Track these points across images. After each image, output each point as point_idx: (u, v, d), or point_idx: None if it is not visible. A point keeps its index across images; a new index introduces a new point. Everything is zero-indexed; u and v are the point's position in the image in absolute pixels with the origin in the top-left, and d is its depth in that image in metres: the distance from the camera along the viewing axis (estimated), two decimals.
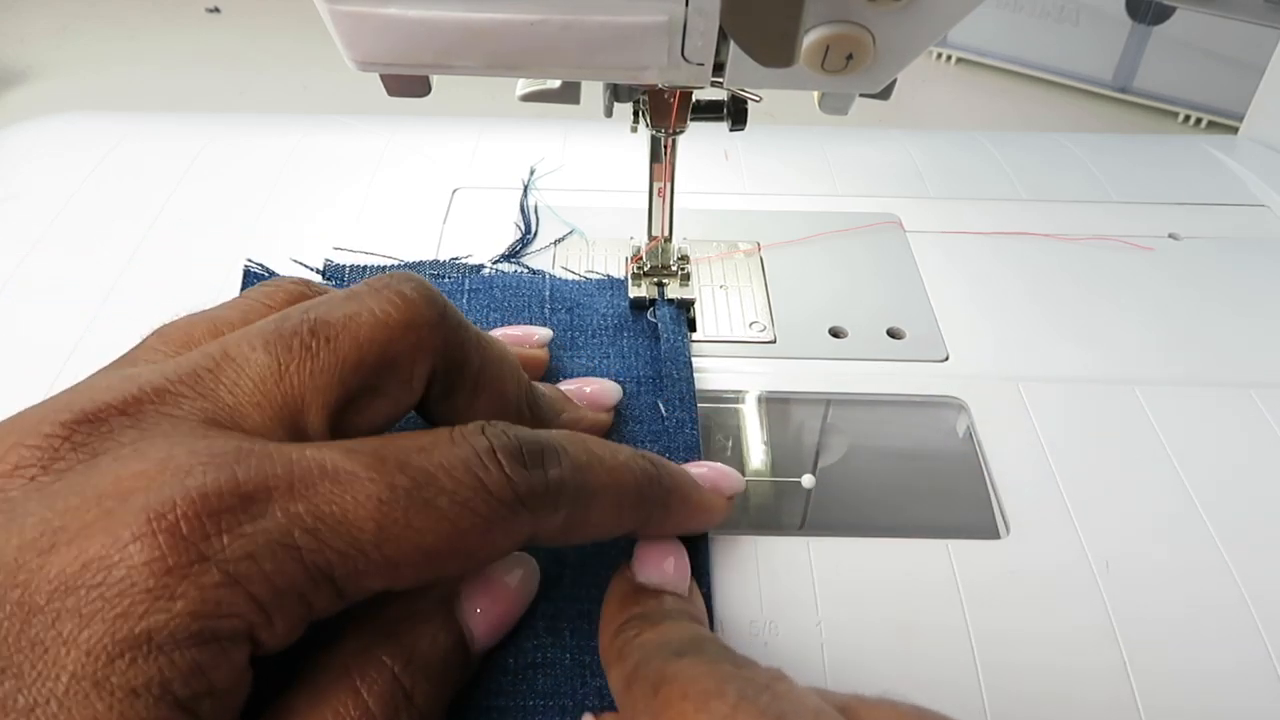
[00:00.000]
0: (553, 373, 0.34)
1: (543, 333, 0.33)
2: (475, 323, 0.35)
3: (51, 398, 0.20)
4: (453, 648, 0.23)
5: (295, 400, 0.21)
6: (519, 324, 0.35)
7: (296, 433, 0.21)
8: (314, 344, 0.21)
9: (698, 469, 0.28)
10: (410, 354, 0.22)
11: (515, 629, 0.25)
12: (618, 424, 0.32)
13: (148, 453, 0.18)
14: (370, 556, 0.19)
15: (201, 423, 0.20)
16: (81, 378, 0.22)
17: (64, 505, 0.18)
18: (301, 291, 0.25)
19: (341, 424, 0.22)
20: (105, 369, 0.23)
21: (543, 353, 0.33)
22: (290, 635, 0.18)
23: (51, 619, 0.16)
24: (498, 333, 0.33)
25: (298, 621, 0.18)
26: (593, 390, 0.31)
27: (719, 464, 0.28)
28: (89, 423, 0.19)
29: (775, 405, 0.35)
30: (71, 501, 0.18)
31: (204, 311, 0.24)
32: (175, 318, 0.24)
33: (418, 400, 0.24)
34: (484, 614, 0.24)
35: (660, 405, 0.32)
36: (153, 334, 0.24)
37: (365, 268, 0.39)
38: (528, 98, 0.31)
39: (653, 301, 0.37)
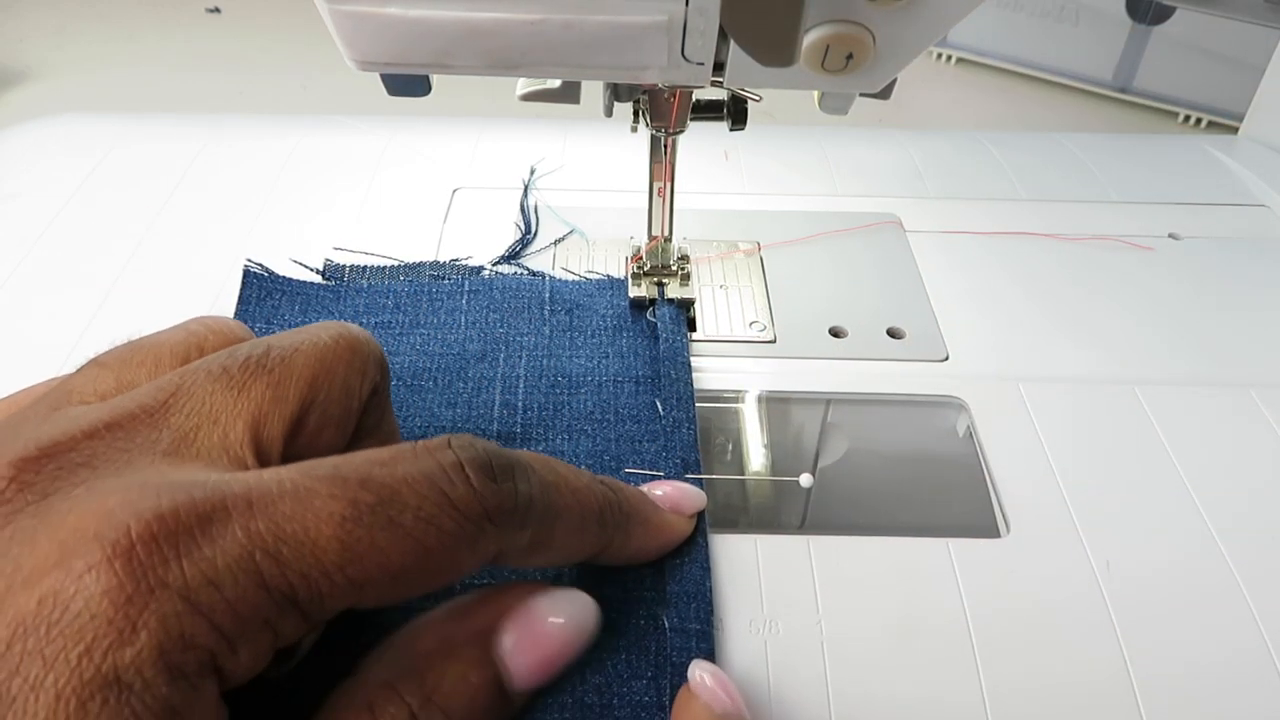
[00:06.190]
0: (552, 373, 0.34)
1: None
2: (474, 324, 0.36)
3: None
4: (483, 688, 0.21)
5: (253, 415, 0.20)
6: (524, 329, 0.36)
7: (256, 447, 0.20)
8: (268, 362, 0.21)
9: (658, 489, 0.28)
10: (358, 377, 0.23)
11: None
12: (615, 423, 0.32)
13: (100, 489, 0.18)
14: (334, 579, 0.18)
15: (158, 456, 0.19)
16: None
17: (16, 550, 0.17)
18: (230, 324, 0.25)
19: (292, 451, 0.21)
20: (43, 397, 0.22)
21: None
22: (256, 665, 0.18)
23: (15, 664, 0.15)
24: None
25: (264, 650, 0.18)
26: None
27: (680, 483, 0.29)
28: (37, 461, 0.18)
29: (775, 405, 0.35)
30: (24, 545, 0.17)
31: (143, 337, 0.24)
32: (113, 345, 0.23)
33: (354, 427, 0.24)
34: (523, 653, 0.22)
35: (658, 404, 0.32)
36: (89, 363, 0.23)
37: (365, 268, 0.39)
38: (528, 98, 0.31)
39: (653, 301, 0.37)
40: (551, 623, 0.23)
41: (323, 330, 0.23)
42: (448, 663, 0.21)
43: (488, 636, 0.22)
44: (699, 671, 0.24)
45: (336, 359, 0.22)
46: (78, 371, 0.22)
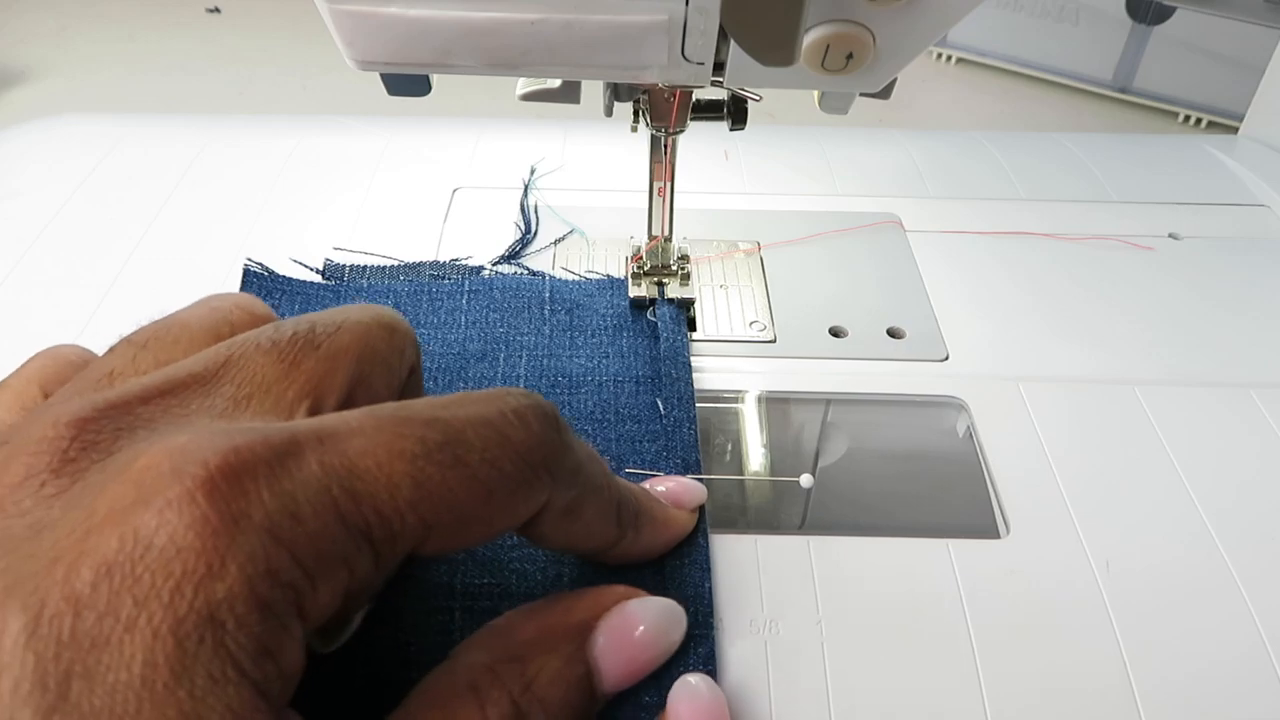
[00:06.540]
0: (551, 373, 0.34)
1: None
2: (474, 323, 0.36)
3: (36, 410, 0.19)
4: (576, 684, 0.21)
5: (305, 388, 0.20)
6: (524, 329, 0.36)
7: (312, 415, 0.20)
8: (315, 338, 0.21)
9: (659, 486, 0.28)
10: (397, 356, 0.23)
11: None
12: (616, 423, 0.32)
13: (165, 441, 0.17)
14: (406, 518, 0.18)
15: (215, 417, 0.19)
16: None
17: (90, 498, 0.16)
18: (251, 299, 0.24)
19: None
20: (81, 375, 0.21)
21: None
22: (331, 606, 0.17)
23: (103, 606, 0.15)
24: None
25: (339, 590, 0.17)
26: None
27: (680, 478, 0.29)
28: (97, 420, 0.18)
29: (775, 405, 0.35)
30: (96, 494, 0.16)
31: (169, 315, 0.23)
32: (139, 325, 0.23)
33: None
34: (614, 654, 0.22)
35: (659, 404, 0.32)
36: (121, 342, 0.22)
37: (365, 268, 0.39)
38: (528, 97, 0.31)
39: (653, 301, 0.37)
40: (642, 629, 0.23)
41: (360, 311, 0.23)
42: (546, 655, 0.21)
43: (584, 634, 0.22)
44: (689, 683, 0.24)
45: (377, 338, 0.22)
46: (111, 352, 0.22)
